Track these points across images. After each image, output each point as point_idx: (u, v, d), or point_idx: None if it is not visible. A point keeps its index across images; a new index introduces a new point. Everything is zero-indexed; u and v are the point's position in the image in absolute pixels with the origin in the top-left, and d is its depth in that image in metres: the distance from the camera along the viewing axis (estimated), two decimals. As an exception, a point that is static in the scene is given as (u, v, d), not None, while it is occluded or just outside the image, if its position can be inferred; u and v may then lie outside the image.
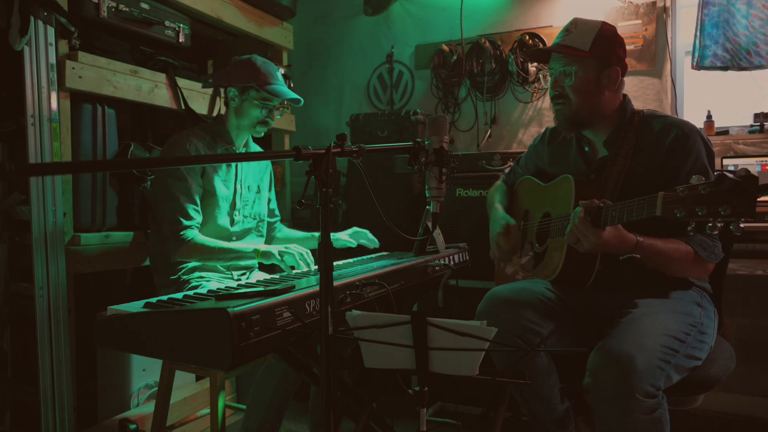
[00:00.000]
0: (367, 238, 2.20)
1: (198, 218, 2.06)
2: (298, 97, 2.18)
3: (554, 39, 1.78)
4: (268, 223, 2.40)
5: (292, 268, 1.87)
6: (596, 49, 1.67)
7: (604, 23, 1.70)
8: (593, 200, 1.47)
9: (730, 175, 1.15)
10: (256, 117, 2.14)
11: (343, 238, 2.13)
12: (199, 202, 2.07)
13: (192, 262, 2.08)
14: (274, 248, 1.94)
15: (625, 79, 1.76)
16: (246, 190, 2.25)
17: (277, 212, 2.45)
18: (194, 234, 2.01)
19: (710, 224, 1.19)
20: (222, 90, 2.20)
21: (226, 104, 2.19)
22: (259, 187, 2.32)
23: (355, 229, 2.20)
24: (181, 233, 1.98)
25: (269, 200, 2.41)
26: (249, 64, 2.13)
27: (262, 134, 2.21)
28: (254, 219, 2.29)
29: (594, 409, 1.42)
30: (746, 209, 1.14)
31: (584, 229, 1.45)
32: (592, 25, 1.70)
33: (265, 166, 2.40)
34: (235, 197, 2.19)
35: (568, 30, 1.72)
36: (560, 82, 1.73)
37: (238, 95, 2.13)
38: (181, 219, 1.99)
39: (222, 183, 2.14)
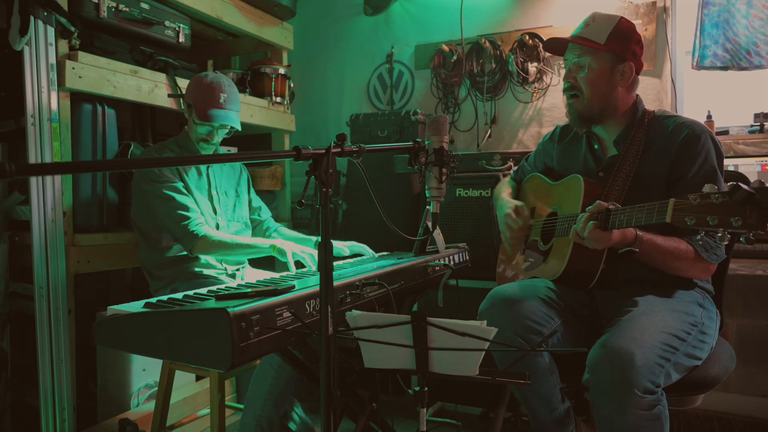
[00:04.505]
0: (365, 250, 2.15)
1: (198, 209, 2.08)
2: (230, 124, 2.14)
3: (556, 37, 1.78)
4: (257, 221, 2.41)
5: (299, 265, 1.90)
6: (612, 43, 1.67)
7: (622, 18, 1.71)
8: (601, 203, 1.47)
9: (745, 186, 1.14)
10: (198, 134, 2.16)
11: (338, 246, 2.09)
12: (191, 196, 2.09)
13: (187, 263, 2.10)
14: (288, 248, 1.95)
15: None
16: (223, 195, 2.26)
17: (263, 210, 2.44)
18: (206, 229, 2.03)
19: (720, 234, 1.19)
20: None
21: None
22: (236, 191, 2.34)
23: (355, 243, 2.16)
24: (191, 228, 2.01)
25: (250, 201, 2.42)
26: (198, 82, 2.14)
27: (210, 151, 2.21)
28: (240, 222, 2.31)
29: (593, 406, 1.42)
30: (758, 222, 1.13)
31: (593, 237, 1.46)
32: (610, 19, 1.71)
33: (239, 170, 2.40)
34: (213, 203, 2.21)
35: (586, 23, 1.74)
36: (573, 74, 1.74)
37: (187, 110, 2.17)
38: (184, 213, 2.02)
39: (196, 190, 2.15)
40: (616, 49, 1.68)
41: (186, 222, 2.01)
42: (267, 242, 2.05)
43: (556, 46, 1.82)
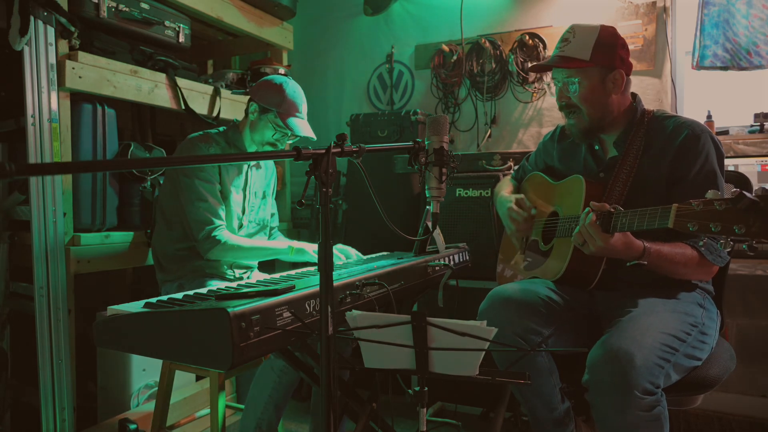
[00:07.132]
0: (349, 252, 2.14)
1: (224, 218, 2.11)
2: (312, 135, 2.18)
3: (554, 39, 1.77)
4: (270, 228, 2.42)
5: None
6: (597, 56, 1.66)
7: (602, 27, 1.69)
8: (604, 204, 1.47)
9: (749, 195, 1.14)
10: (267, 137, 2.16)
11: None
12: (223, 202, 2.12)
13: (198, 262, 2.10)
14: (308, 246, 2.00)
15: (626, 79, 1.75)
16: (253, 196, 2.28)
17: (274, 219, 2.46)
18: (227, 235, 2.06)
19: (722, 241, 1.18)
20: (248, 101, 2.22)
21: (246, 114, 2.21)
22: (264, 192, 2.35)
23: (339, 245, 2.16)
24: (214, 234, 2.03)
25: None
26: (279, 89, 2.13)
27: None
28: (258, 225, 2.32)
29: (593, 407, 1.42)
30: (761, 230, 1.13)
31: (593, 232, 1.45)
32: (590, 31, 1.68)
33: (272, 172, 2.42)
34: (244, 203, 2.22)
35: (566, 39, 1.71)
36: (565, 93, 1.73)
37: (258, 111, 2.16)
38: (213, 219, 2.04)
39: (233, 188, 2.17)
40: (603, 61, 1.66)
41: (211, 227, 2.04)
42: (284, 244, 2.07)
43: (543, 67, 1.80)
